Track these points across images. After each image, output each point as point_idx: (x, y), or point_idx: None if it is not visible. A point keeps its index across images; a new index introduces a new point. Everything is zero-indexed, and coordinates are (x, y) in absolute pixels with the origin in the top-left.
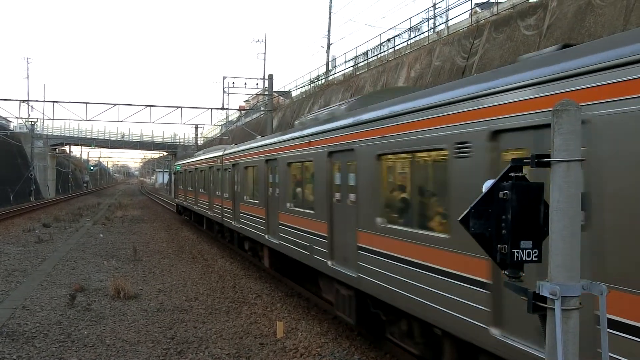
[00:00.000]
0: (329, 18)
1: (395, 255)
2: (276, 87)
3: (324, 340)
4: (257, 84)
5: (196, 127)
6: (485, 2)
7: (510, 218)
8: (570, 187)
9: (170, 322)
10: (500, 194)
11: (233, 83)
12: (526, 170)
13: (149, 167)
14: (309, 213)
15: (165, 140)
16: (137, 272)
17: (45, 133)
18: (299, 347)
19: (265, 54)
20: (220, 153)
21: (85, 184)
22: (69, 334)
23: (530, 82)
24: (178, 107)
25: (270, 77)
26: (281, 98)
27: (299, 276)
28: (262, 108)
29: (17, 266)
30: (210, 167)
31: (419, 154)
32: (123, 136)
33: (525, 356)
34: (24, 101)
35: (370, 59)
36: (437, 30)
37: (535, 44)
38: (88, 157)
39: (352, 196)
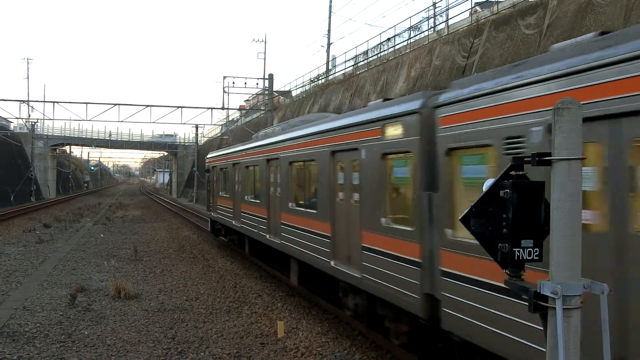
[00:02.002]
0: (329, 17)
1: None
2: (276, 87)
3: (325, 340)
4: (257, 84)
5: (196, 127)
6: (485, 1)
7: (511, 217)
8: (571, 186)
9: (171, 322)
10: (501, 193)
11: (233, 83)
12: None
13: (150, 167)
14: None
15: (166, 140)
16: (137, 272)
17: (45, 133)
18: (299, 347)
19: (265, 53)
20: (417, 104)
21: (85, 184)
22: (69, 334)
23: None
24: (178, 107)
25: (271, 77)
26: (281, 98)
27: None
28: (262, 108)
29: (18, 266)
30: (336, 153)
31: None
32: (110, 135)
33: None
34: (24, 101)
35: (371, 59)
36: (437, 29)
37: (535, 43)
38: (88, 157)
39: None
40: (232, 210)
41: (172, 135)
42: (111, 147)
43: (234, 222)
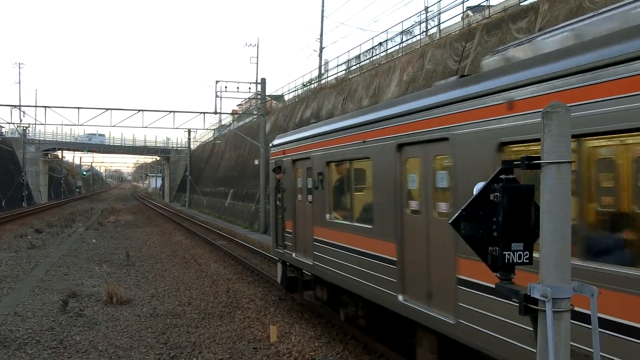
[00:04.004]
0: (321, 22)
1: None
2: (269, 91)
3: (318, 344)
4: (249, 88)
5: (189, 132)
6: (477, 5)
7: (501, 220)
8: (560, 189)
9: (163, 327)
10: (491, 197)
11: (226, 87)
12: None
13: (142, 171)
14: None
15: (158, 144)
16: (130, 277)
17: (37, 138)
18: (292, 351)
19: (257, 58)
20: None
21: (77, 189)
22: (61, 340)
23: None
24: (170, 112)
25: (263, 81)
26: (274, 102)
27: None
28: (254, 112)
29: (9, 272)
30: None
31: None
32: (90, 139)
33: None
34: (15, 106)
35: (363, 63)
36: (429, 33)
37: None
38: (80, 162)
39: None
40: (397, 271)
41: (100, 135)
42: (103, 152)
43: (401, 298)
